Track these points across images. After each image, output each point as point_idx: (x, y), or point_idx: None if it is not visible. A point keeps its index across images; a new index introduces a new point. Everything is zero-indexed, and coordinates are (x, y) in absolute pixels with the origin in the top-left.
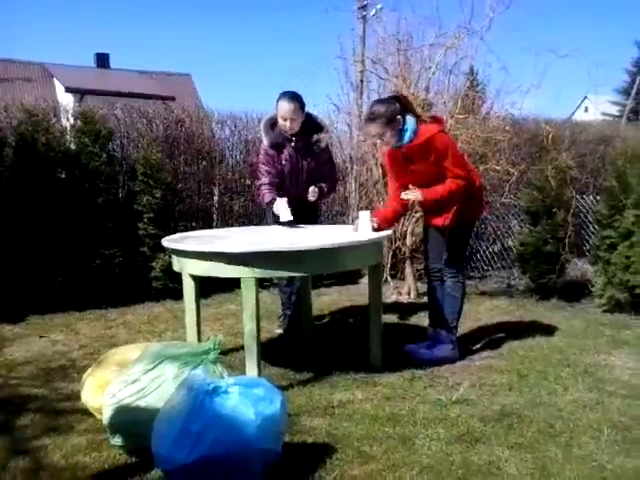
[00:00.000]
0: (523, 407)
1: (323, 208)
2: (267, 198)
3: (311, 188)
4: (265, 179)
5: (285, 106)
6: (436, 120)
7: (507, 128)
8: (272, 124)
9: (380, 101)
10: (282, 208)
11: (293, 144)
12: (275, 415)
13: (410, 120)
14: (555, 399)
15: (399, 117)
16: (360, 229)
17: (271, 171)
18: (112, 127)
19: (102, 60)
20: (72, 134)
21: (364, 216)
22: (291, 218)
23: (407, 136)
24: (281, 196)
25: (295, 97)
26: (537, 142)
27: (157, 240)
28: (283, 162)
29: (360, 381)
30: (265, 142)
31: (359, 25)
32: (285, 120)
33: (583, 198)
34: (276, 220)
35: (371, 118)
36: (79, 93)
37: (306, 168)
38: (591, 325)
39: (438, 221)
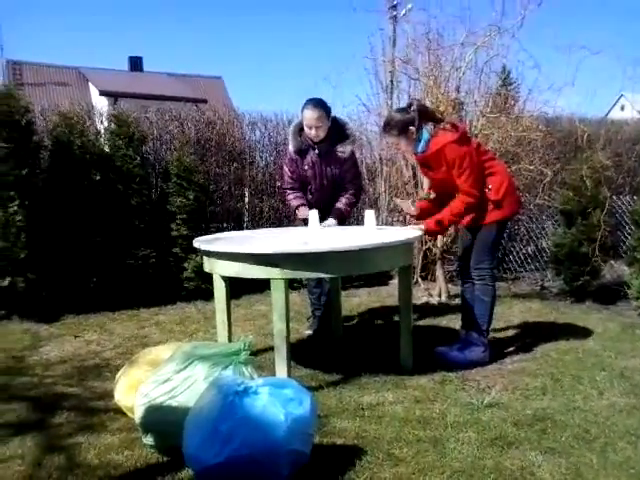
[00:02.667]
0: (557, 411)
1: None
2: (295, 202)
3: (327, 222)
4: (289, 184)
5: (309, 114)
6: (454, 127)
7: (540, 127)
8: (300, 129)
9: (396, 110)
10: (312, 219)
11: (317, 151)
12: (304, 416)
13: (425, 130)
14: (590, 404)
15: (412, 128)
16: (366, 227)
17: (293, 176)
18: (145, 130)
19: (136, 63)
20: (106, 137)
21: (369, 215)
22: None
23: (420, 146)
24: (308, 199)
25: (319, 104)
26: (571, 141)
27: (189, 241)
28: (306, 168)
29: (390, 383)
30: (290, 147)
31: (389, 25)
32: (310, 128)
33: (619, 198)
34: (305, 223)
35: (385, 128)
36: (113, 96)
37: (330, 174)
38: (627, 328)
39: (464, 220)
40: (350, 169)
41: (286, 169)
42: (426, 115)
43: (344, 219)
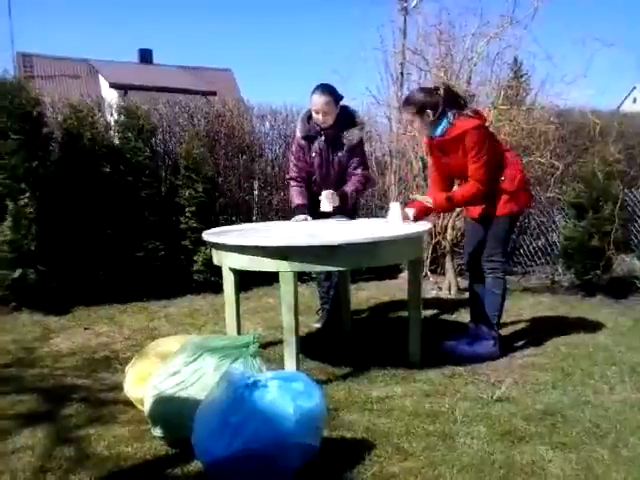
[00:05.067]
0: (567, 406)
1: (362, 202)
2: (296, 200)
3: (324, 194)
4: (293, 173)
5: (316, 99)
6: (477, 114)
7: (552, 119)
8: (309, 117)
9: (420, 89)
10: (325, 199)
11: (323, 137)
12: (314, 410)
13: (449, 114)
14: (601, 398)
15: (429, 111)
16: (391, 220)
17: (299, 164)
18: (155, 122)
19: (145, 56)
20: (116, 129)
21: (395, 208)
22: (330, 209)
23: (440, 129)
24: (313, 190)
25: (328, 89)
26: (583, 134)
27: (199, 234)
28: (313, 154)
29: (399, 377)
30: (298, 133)
31: (399, 17)
32: (317, 113)
33: (631, 192)
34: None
35: (404, 104)
36: (123, 89)
37: (337, 161)
38: (638, 323)
39: (474, 212)
40: (357, 156)
41: (292, 157)
42: (451, 101)
43: (345, 203)
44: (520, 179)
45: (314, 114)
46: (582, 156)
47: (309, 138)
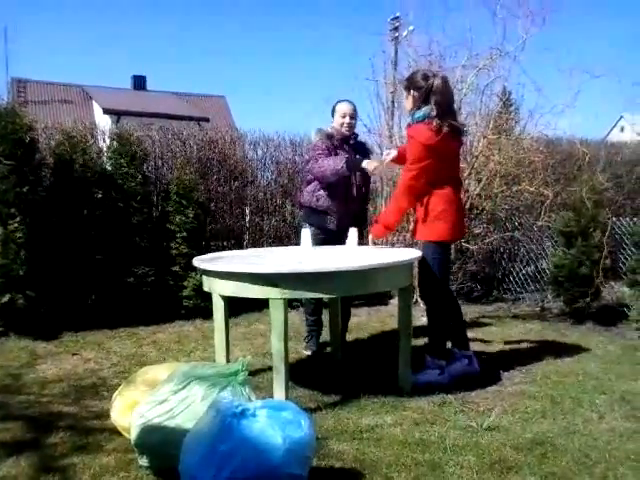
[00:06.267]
0: (557, 435)
1: None
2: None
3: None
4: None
5: (346, 105)
6: (437, 132)
7: (541, 148)
8: (327, 135)
9: (424, 71)
10: (304, 238)
11: (352, 141)
12: (303, 439)
13: (424, 110)
14: (590, 427)
15: (416, 93)
16: (348, 244)
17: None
18: (147, 148)
19: (139, 82)
20: (108, 155)
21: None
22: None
23: (414, 117)
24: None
25: (353, 103)
26: (571, 163)
27: (189, 259)
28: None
29: (389, 405)
30: (319, 138)
31: (391, 47)
32: (344, 117)
33: (619, 220)
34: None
35: (406, 77)
36: (116, 114)
37: (359, 174)
38: (627, 351)
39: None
40: (368, 181)
41: (315, 154)
42: (436, 99)
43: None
44: (443, 210)
45: (340, 119)
46: (571, 184)
47: (332, 143)
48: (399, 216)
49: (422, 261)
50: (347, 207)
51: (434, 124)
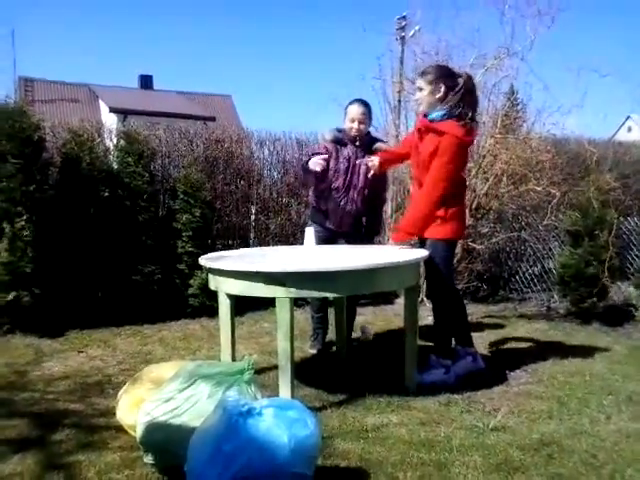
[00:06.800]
0: (564, 436)
1: None
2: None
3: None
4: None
5: (355, 108)
6: (469, 131)
7: (548, 148)
8: (338, 130)
9: (447, 67)
10: (308, 237)
11: (358, 143)
12: (308, 438)
13: (454, 109)
14: (597, 428)
15: (442, 87)
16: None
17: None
18: (154, 147)
19: (146, 81)
20: (115, 154)
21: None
22: (314, 247)
23: (436, 113)
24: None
25: (365, 102)
26: (579, 162)
27: (195, 258)
28: (340, 160)
29: (395, 404)
30: (327, 137)
31: (398, 46)
32: (353, 122)
33: (627, 220)
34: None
35: (425, 70)
36: (123, 113)
37: (363, 171)
38: (634, 351)
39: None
40: (383, 179)
41: (310, 152)
42: (464, 97)
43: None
44: (456, 209)
45: (349, 123)
46: (578, 184)
47: (339, 143)
48: (431, 220)
49: (431, 260)
50: (346, 207)
51: (467, 123)
